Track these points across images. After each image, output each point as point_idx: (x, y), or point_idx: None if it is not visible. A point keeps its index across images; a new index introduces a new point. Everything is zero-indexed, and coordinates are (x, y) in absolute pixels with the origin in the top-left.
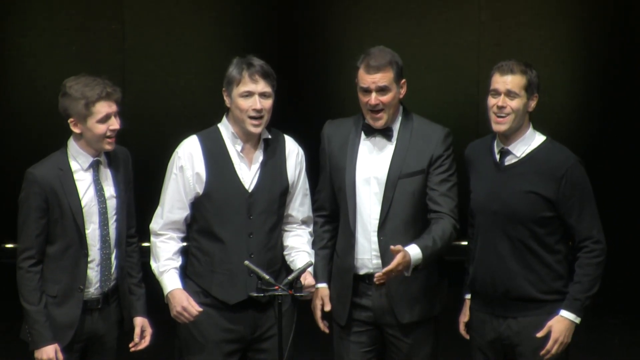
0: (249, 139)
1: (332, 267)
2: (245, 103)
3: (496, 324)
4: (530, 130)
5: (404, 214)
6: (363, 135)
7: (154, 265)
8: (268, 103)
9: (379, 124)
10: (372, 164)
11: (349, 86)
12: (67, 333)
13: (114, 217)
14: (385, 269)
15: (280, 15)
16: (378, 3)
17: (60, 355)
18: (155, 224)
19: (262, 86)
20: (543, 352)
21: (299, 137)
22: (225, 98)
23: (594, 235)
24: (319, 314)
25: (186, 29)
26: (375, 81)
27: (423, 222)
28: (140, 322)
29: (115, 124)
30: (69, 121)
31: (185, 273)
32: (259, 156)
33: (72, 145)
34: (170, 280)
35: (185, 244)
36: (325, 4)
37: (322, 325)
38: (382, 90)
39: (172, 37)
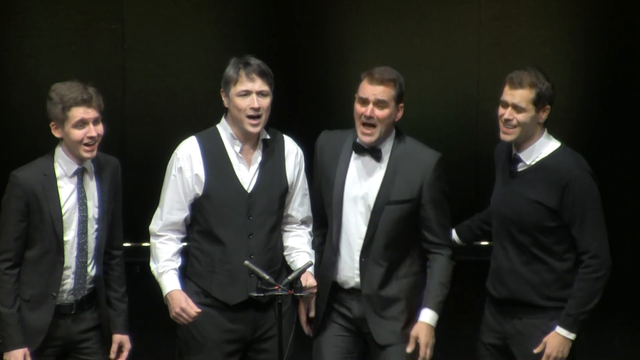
0: (247, 139)
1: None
2: (242, 102)
3: (502, 323)
4: (543, 138)
5: (386, 239)
6: (354, 154)
7: (153, 266)
8: (266, 102)
9: (368, 139)
10: (361, 185)
11: (349, 87)
12: (37, 338)
13: (95, 227)
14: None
15: (280, 15)
16: (378, 3)
17: None
18: (154, 225)
19: (259, 85)
20: None
21: (298, 138)
22: (223, 99)
23: (591, 250)
24: (304, 318)
25: (186, 29)
26: (376, 93)
27: (403, 246)
28: (118, 339)
29: (92, 131)
30: (50, 125)
31: (185, 274)
32: (257, 157)
33: (59, 151)
34: (169, 281)
35: (184, 244)
36: (325, 5)
37: (307, 329)
38: (380, 103)
39: (172, 37)
